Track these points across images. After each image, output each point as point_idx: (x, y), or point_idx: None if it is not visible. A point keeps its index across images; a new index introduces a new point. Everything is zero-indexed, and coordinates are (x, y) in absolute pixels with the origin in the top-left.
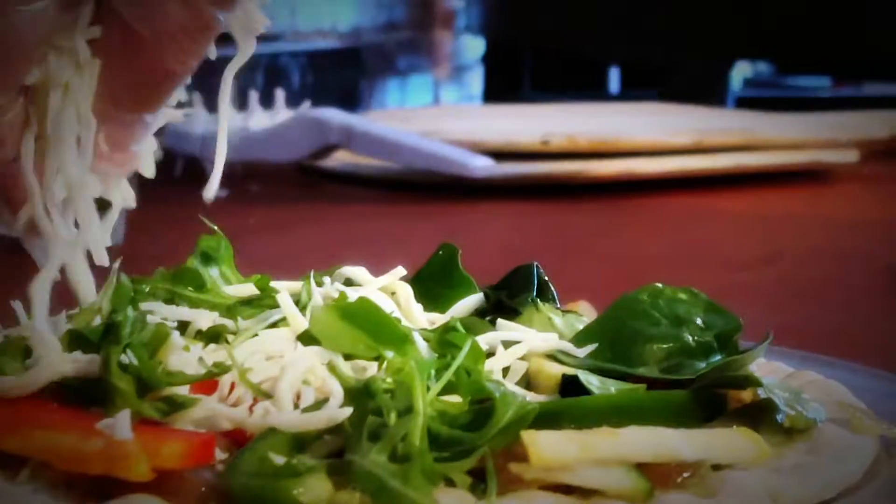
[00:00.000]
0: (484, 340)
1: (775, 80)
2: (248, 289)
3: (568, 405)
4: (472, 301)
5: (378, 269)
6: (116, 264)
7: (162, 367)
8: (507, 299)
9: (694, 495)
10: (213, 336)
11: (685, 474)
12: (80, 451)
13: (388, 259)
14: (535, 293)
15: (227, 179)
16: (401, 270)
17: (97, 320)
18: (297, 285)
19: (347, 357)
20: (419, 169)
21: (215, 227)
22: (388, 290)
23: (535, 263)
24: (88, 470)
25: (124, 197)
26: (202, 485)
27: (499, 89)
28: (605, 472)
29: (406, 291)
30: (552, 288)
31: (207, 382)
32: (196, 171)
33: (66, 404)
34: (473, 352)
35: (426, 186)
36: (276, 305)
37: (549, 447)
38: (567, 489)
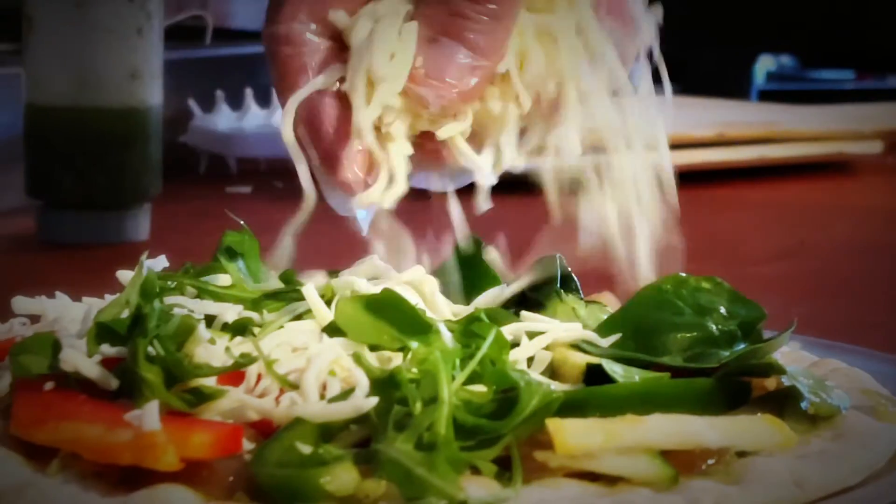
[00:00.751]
0: (508, 331)
1: (799, 73)
2: (274, 283)
3: (592, 393)
4: (496, 292)
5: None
6: (143, 258)
7: (189, 359)
8: (530, 291)
9: (719, 482)
10: (239, 328)
11: (710, 461)
12: (108, 443)
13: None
14: (558, 284)
15: (251, 176)
16: (419, 269)
17: (124, 313)
18: (321, 280)
19: (373, 348)
20: None
21: (241, 222)
22: (414, 283)
23: (559, 254)
24: (117, 461)
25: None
26: (230, 474)
27: None
28: (630, 460)
29: (432, 284)
30: (575, 279)
31: (234, 374)
32: (220, 167)
33: (95, 396)
34: (498, 342)
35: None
36: (301, 298)
37: (574, 435)
38: (592, 476)
